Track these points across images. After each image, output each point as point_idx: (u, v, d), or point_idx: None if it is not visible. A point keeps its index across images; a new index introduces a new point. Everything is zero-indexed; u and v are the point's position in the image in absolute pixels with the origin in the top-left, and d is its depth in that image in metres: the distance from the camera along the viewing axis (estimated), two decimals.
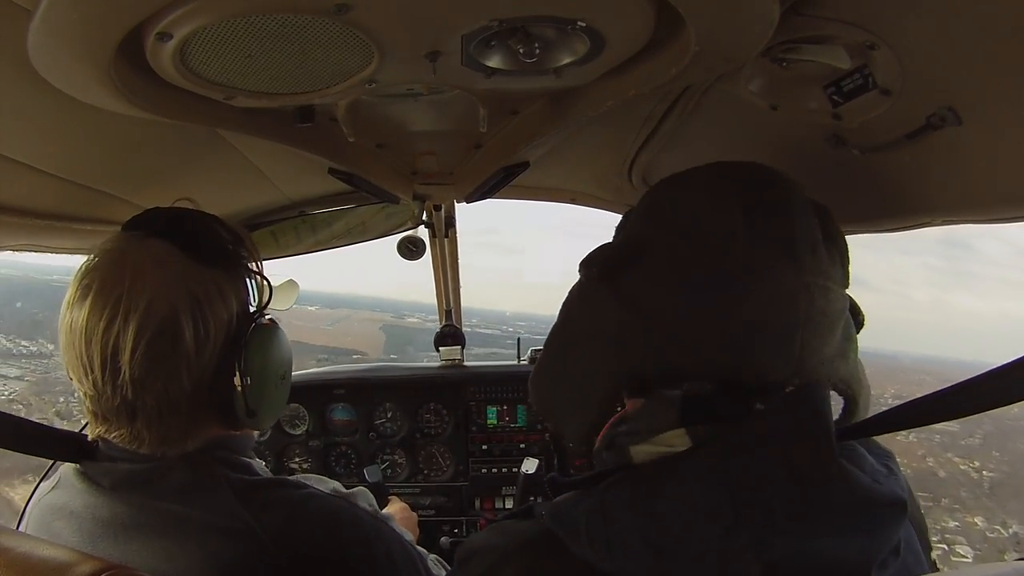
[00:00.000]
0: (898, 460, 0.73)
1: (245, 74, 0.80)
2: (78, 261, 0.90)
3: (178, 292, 0.86)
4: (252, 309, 0.96)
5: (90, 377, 0.84)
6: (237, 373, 0.91)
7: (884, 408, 0.74)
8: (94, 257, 0.88)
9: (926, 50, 0.76)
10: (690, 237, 0.70)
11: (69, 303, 0.86)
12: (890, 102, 0.83)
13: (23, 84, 0.76)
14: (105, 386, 0.84)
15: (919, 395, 0.70)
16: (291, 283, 1.38)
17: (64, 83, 0.76)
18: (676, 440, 0.68)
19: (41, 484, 0.99)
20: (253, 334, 0.93)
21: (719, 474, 0.61)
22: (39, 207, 1.11)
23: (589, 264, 0.75)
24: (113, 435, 0.89)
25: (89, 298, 0.84)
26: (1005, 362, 0.63)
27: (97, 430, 0.89)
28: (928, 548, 0.76)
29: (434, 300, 2.34)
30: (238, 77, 0.80)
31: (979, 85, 0.74)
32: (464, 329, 2.33)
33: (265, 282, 0.98)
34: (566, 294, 0.80)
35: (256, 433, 1.05)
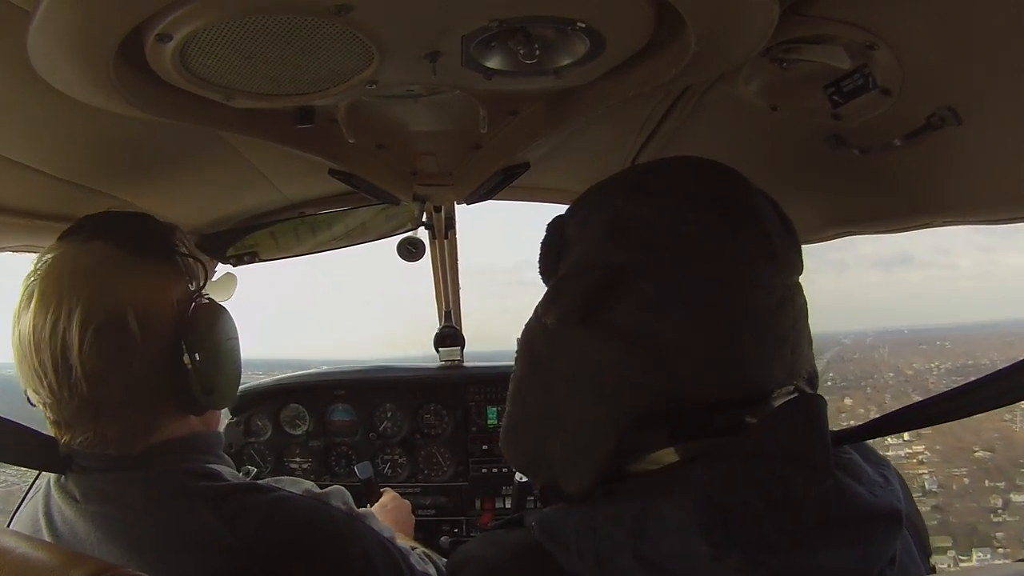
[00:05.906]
0: None
1: (245, 75, 0.80)
2: None
3: (117, 283, 0.88)
4: (192, 291, 0.99)
5: (45, 383, 0.85)
6: (186, 353, 0.92)
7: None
8: (35, 267, 0.90)
9: (926, 50, 0.75)
10: (674, 255, 0.64)
11: (16, 315, 0.88)
12: (890, 102, 0.83)
13: (22, 85, 0.76)
14: (61, 389, 0.85)
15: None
16: (229, 276, 1.49)
17: (64, 84, 0.76)
18: (666, 458, 0.66)
19: (28, 492, 1.01)
20: (195, 313, 0.96)
21: (709, 490, 0.59)
22: (38, 207, 1.11)
23: (561, 311, 0.67)
24: (79, 440, 0.89)
25: (32, 304, 0.86)
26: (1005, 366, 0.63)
27: (64, 439, 0.90)
28: (927, 553, 0.75)
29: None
30: (238, 78, 0.80)
31: (979, 85, 0.74)
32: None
33: (199, 264, 1.01)
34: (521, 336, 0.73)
35: (222, 430, 1.06)
